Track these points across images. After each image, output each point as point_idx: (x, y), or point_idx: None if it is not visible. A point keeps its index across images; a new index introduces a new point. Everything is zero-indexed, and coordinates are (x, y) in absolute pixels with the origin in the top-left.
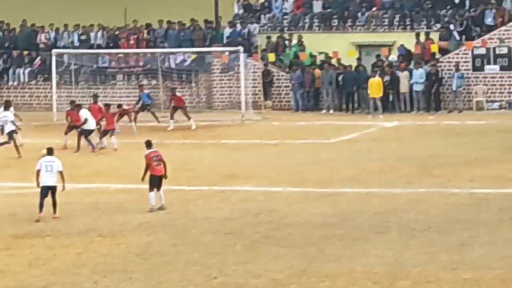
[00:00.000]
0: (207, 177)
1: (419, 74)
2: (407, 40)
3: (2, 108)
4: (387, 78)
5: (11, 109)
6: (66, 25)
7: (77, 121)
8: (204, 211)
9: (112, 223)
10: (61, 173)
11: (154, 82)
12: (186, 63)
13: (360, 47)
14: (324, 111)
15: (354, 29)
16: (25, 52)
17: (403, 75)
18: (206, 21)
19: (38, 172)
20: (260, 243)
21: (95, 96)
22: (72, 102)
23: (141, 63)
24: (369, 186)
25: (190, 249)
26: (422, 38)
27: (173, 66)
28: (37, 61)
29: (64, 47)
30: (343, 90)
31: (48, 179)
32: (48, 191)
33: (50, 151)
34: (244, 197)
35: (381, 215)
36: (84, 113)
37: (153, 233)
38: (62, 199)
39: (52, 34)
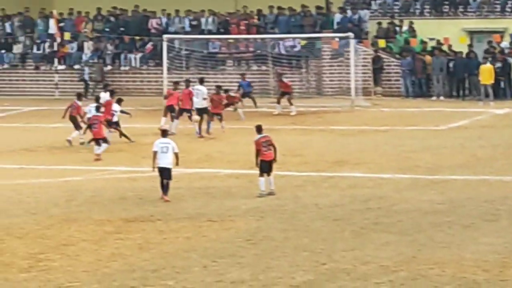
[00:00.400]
0: (316, 163)
1: None
2: None
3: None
4: (498, 65)
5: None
6: (177, 11)
7: (174, 102)
8: (313, 197)
9: (221, 208)
10: (176, 154)
11: (264, 67)
12: (296, 49)
13: (471, 33)
14: (434, 97)
15: (465, 15)
16: (137, 38)
17: None
18: (316, 7)
19: (154, 153)
20: (369, 230)
21: (187, 81)
22: (175, 83)
23: (251, 49)
24: (479, 173)
25: (299, 234)
26: None
27: (283, 52)
28: (149, 46)
29: (175, 32)
30: (453, 77)
31: (163, 161)
32: (167, 171)
33: (164, 133)
34: (353, 183)
35: (491, 202)
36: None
37: (262, 218)
38: (172, 183)
39: (164, 20)
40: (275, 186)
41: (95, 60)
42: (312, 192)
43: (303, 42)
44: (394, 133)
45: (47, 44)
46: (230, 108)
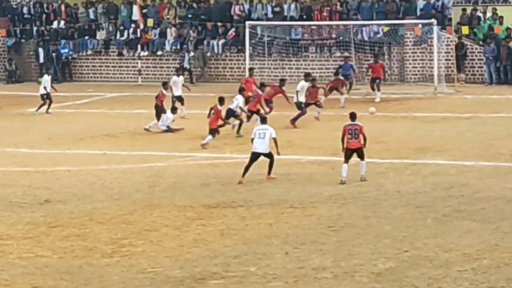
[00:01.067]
0: (399, 150)
1: None
2: None
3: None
4: None
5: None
6: None
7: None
8: (395, 184)
9: (303, 194)
10: (274, 139)
11: (346, 54)
12: (379, 36)
13: None
14: None
15: None
16: (219, 24)
17: None
18: None
19: (252, 140)
20: (452, 217)
21: (251, 70)
22: (251, 69)
23: (333, 35)
24: None
25: (381, 222)
26: None
27: (366, 38)
28: (231, 32)
29: (257, 19)
30: None
31: (259, 146)
32: (258, 157)
33: (263, 120)
34: (435, 171)
35: None
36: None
37: (344, 205)
38: (253, 170)
39: (246, 6)
40: (365, 172)
41: (178, 47)
42: (395, 179)
43: (386, 29)
44: (477, 120)
45: (130, 31)
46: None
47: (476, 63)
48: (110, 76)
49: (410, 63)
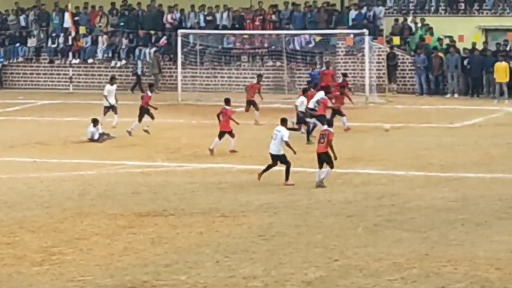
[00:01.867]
0: None
1: None
2: None
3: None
4: None
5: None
6: (192, 6)
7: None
8: (326, 193)
9: (234, 203)
10: (286, 142)
11: (278, 63)
12: (311, 45)
13: (486, 31)
14: (448, 95)
15: (480, 13)
16: (152, 32)
17: None
18: (331, 4)
19: None
20: (382, 227)
21: (260, 76)
22: (259, 76)
23: (266, 45)
24: (493, 171)
25: (312, 230)
26: None
27: (297, 48)
28: (163, 40)
29: (190, 27)
30: (468, 75)
31: (271, 146)
32: (274, 158)
33: (283, 122)
34: (366, 180)
35: (504, 201)
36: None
37: (275, 214)
38: (185, 178)
39: (178, 15)
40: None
41: (109, 55)
42: (326, 189)
43: (318, 38)
44: (408, 130)
45: (61, 38)
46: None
47: (407, 74)
48: (41, 84)
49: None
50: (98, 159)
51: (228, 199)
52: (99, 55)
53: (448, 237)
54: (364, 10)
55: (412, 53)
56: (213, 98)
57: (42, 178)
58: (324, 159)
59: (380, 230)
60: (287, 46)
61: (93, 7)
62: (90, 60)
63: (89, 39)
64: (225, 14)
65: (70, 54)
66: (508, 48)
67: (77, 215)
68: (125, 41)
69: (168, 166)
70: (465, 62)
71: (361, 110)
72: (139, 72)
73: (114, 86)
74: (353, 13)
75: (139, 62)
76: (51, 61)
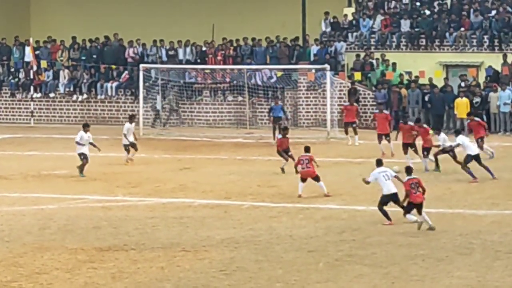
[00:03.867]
0: (291, 194)
1: (506, 95)
2: (495, 61)
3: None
4: (477, 99)
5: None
6: (154, 41)
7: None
8: (287, 228)
9: (195, 238)
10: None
11: (240, 98)
12: (273, 80)
13: (447, 67)
14: None
15: (441, 49)
16: (113, 67)
17: (494, 96)
18: (293, 39)
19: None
20: (343, 262)
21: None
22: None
23: (227, 79)
24: (453, 206)
25: (273, 265)
26: (510, 59)
27: (259, 82)
28: (125, 75)
29: (151, 62)
30: (430, 110)
31: (391, 188)
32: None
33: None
34: (327, 215)
35: (465, 236)
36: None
37: (236, 249)
38: (146, 213)
39: (140, 49)
40: (250, 217)
41: (71, 89)
42: (287, 223)
43: (280, 73)
44: (369, 165)
45: (22, 73)
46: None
47: (369, 109)
48: (2, 118)
49: (303, 108)
50: (59, 193)
51: (189, 233)
52: (61, 89)
53: (409, 272)
54: (325, 45)
55: (373, 88)
56: (175, 132)
57: (2, 212)
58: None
59: (341, 265)
60: (249, 81)
61: (54, 40)
62: (51, 94)
63: (50, 73)
64: (188, 49)
65: (32, 88)
66: (468, 84)
67: (37, 249)
68: (86, 76)
69: (129, 200)
70: (426, 97)
71: (323, 145)
72: (158, 107)
73: (133, 124)
74: (314, 48)
75: (158, 97)
76: (13, 95)
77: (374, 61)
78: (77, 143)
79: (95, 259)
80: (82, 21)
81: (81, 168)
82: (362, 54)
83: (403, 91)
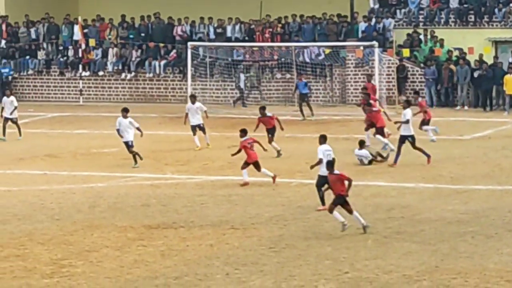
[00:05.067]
0: (340, 171)
1: None
2: None
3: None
4: None
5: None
6: (202, 18)
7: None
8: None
9: (244, 215)
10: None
11: (288, 75)
12: (321, 57)
13: (496, 43)
14: (458, 107)
15: (490, 25)
16: (161, 45)
17: None
18: (341, 16)
19: (320, 161)
20: (392, 239)
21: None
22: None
23: (275, 57)
24: (503, 183)
25: (321, 243)
26: None
27: (307, 60)
28: (173, 53)
29: (199, 39)
30: (478, 87)
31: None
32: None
33: (324, 138)
34: (376, 192)
35: None
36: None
37: (285, 226)
38: (195, 191)
39: (188, 27)
40: (299, 194)
41: (119, 67)
42: None
43: (328, 51)
44: (418, 142)
45: (71, 51)
46: None
47: (417, 85)
48: (52, 96)
49: (351, 85)
50: (108, 171)
51: (238, 211)
52: (109, 67)
53: (458, 249)
54: (373, 22)
55: (422, 65)
56: (223, 110)
57: (52, 191)
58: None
59: (389, 242)
60: (297, 58)
61: (102, 19)
62: (100, 73)
63: (99, 51)
64: (236, 27)
65: (80, 66)
66: None
67: (87, 227)
68: (134, 54)
69: (178, 178)
70: (475, 74)
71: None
72: (241, 85)
73: (195, 104)
74: (362, 25)
75: (242, 76)
76: (62, 74)
77: (422, 38)
78: (118, 130)
79: (144, 236)
80: None
81: (134, 159)
82: (410, 31)
83: (452, 67)
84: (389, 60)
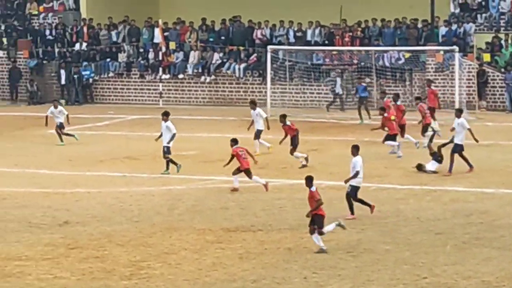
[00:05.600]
0: (418, 176)
1: None
2: None
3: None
4: None
5: None
6: (282, 22)
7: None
8: (414, 210)
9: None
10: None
11: (368, 80)
12: (401, 62)
13: None
14: None
15: None
16: (241, 48)
17: None
18: (421, 20)
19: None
20: (471, 244)
21: (396, 96)
22: (383, 92)
23: (355, 61)
24: None
25: (400, 247)
26: None
27: (387, 64)
28: (253, 57)
29: (279, 43)
30: None
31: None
32: None
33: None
34: (455, 197)
35: None
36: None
37: (363, 230)
38: (273, 194)
39: (268, 31)
40: (376, 198)
41: (199, 70)
42: (414, 205)
43: (408, 55)
44: (498, 147)
45: (151, 54)
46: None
47: (498, 91)
48: (132, 99)
49: None
50: (187, 174)
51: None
52: (189, 70)
53: None
54: (454, 26)
55: (503, 70)
56: (302, 114)
57: (132, 193)
58: None
59: (468, 248)
60: (376, 63)
61: (183, 22)
62: (180, 76)
63: (180, 54)
64: (316, 30)
65: (160, 69)
66: None
67: (166, 229)
68: (216, 56)
69: (257, 181)
70: None
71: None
72: (337, 90)
73: (255, 110)
74: (443, 30)
75: (338, 80)
76: (142, 76)
77: (503, 43)
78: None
79: (222, 239)
80: (210, 2)
81: (167, 164)
82: (491, 35)
83: None
84: (469, 65)
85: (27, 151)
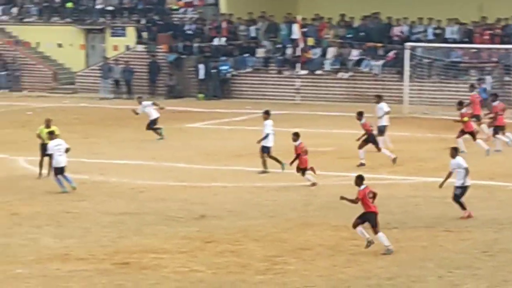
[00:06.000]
0: None
1: None
2: None
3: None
4: None
5: None
6: (420, 19)
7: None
8: None
9: (458, 218)
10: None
11: (507, 78)
12: None
13: None
14: None
15: None
16: (379, 45)
17: None
18: None
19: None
20: None
21: (495, 96)
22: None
23: (494, 59)
24: None
25: None
26: None
27: None
28: (391, 54)
29: (417, 40)
30: None
31: None
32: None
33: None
34: None
35: None
36: None
37: (500, 230)
38: (409, 192)
39: (406, 28)
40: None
41: (337, 66)
42: None
43: None
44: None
45: (289, 49)
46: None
47: None
48: (269, 94)
49: None
50: (323, 170)
51: (452, 213)
52: (327, 66)
53: None
54: None
55: None
56: (440, 111)
57: (267, 188)
58: None
59: None
60: None
61: (321, 18)
62: (317, 71)
63: (318, 50)
64: (454, 28)
65: (298, 65)
66: None
67: (301, 225)
68: (355, 53)
69: (392, 179)
70: None
71: None
72: (488, 88)
73: (380, 104)
74: None
75: (488, 78)
76: (279, 72)
77: None
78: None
79: (357, 236)
80: None
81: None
82: None
83: None
84: None
85: (165, 145)
